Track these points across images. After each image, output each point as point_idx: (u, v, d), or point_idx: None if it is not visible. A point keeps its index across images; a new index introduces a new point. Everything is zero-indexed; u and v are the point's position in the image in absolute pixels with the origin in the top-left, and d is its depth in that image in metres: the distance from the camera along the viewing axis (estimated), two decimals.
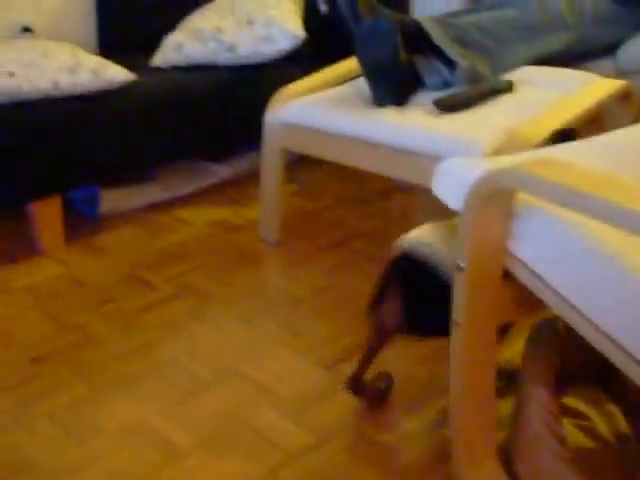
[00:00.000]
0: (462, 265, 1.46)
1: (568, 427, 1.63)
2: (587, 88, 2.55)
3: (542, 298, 1.44)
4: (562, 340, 1.69)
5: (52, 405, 2.08)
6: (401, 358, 2.18)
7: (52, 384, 2.16)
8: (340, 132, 2.50)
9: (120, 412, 2.01)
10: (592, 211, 1.20)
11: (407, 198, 3.21)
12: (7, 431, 1.99)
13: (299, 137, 2.65)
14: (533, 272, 1.43)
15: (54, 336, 2.36)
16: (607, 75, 2.82)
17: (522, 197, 1.42)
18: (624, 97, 2.62)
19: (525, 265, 1.44)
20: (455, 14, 2.86)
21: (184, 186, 3.26)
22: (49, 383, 2.17)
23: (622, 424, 1.70)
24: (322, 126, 2.54)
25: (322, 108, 2.59)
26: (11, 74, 2.74)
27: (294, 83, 2.78)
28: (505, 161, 1.57)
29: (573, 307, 1.36)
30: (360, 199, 3.18)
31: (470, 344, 1.54)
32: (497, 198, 1.40)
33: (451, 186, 1.54)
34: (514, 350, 1.89)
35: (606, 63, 3.04)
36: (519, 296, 1.62)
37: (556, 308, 1.43)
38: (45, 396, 2.11)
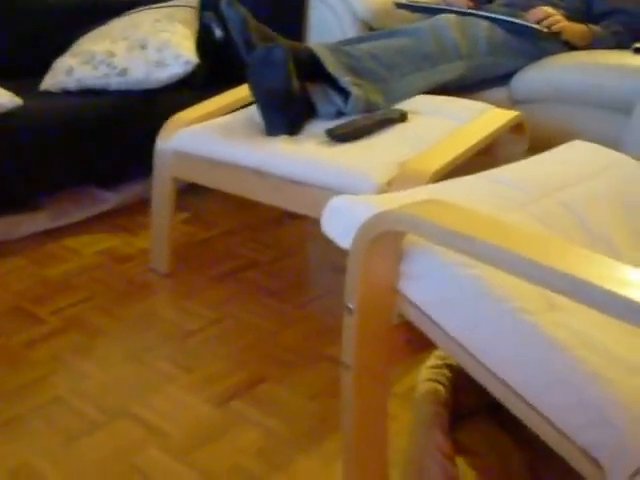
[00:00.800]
0: (351, 307, 1.42)
1: (462, 466, 1.61)
2: (481, 118, 2.55)
3: (433, 339, 1.41)
4: (454, 377, 1.67)
5: None
6: (293, 393, 2.13)
7: None
8: (231, 161, 2.44)
9: (1, 454, 1.92)
10: (475, 253, 1.18)
11: (301, 225, 3.18)
12: None
13: (190, 166, 2.58)
14: (424, 313, 1.40)
15: None
16: (500, 104, 2.84)
17: (412, 238, 1.39)
18: (517, 127, 2.64)
19: (416, 306, 1.41)
20: (349, 42, 2.84)
21: (73, 214, 3.17)
22: None
23: (515, 458, 1.68)
24: (213, 155, 2.49)
25: (213, 136, 2.53)
26: None
27: (186, 110, 2.72)
28: (395, 199, 1.54)
29: (462, 347, 1.34)
30: (253, 227, 3.13)
31: (361, 386, 1.50)
32: (386, 239, 1.37)
33: (340, 225, 1.50)
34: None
35: (500, 92, 3.07)
36: (413, 336, 1.59)
37: (446, 349, 1.41)
38: None
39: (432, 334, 1.40)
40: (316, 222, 3.15)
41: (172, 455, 1.91)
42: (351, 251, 1.40)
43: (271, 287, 2.67)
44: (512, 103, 3.01)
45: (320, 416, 2.05)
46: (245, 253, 2.92)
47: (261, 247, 2.97)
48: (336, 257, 2.88)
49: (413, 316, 1.43)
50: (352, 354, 1.46)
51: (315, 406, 2.09)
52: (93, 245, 2.98)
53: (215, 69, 3.34)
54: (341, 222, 1.50)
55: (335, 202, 1.54)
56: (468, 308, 1.34)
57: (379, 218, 1.33)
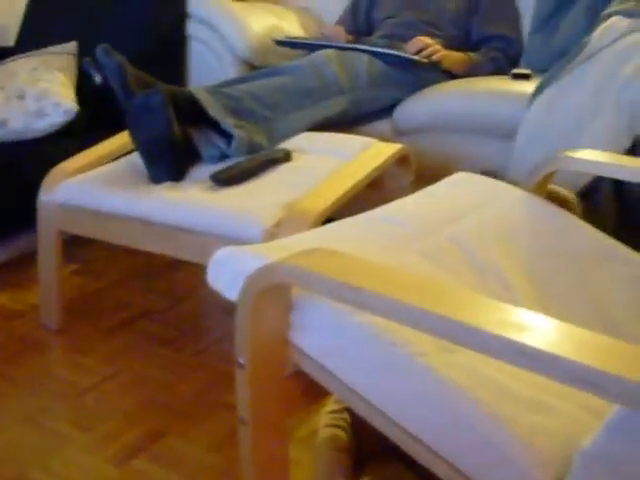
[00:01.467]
0: (242, 361, 1.40)
1: None
2: (366, 153, 2.56)
3: (327, 387, 1.39)
4: (355, 421, 1.65)
5: None
6: (193, 446, 2.09)
7: None
8: (116, 212, 2.40)
9: None
10: (363, 304, 1.17)
11: (193, 270, 3.13)
12: None
13: (75, 218, 2.53)
14: (316, 362, 1.38)
15: None
16: (385, 136, 2.86)
17: (298, 288, 1.37)
18: (402, 159, 2.65)
19: (308, 356, 1.39)
20: (229, 83, 2.82)
21: None
22: None
23: None
24: (97, 206, 2.44)
25: (96, 187, 2.48)
26: None
27: (68, 160, 2.65)
28: (281, 246, 1.53)
29: (357, 394, 1.33)
30: (145, 274, 3.08)
31: (259, 440, 1.48)
32: (272, 291, 1.35)
33: (226, 277, 1.48)
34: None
35: (383, 124, 3.08)
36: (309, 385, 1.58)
37: (341, 396, 1.40)
38: None
39: (326, 383, 1.39)
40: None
41: None
42: (239, 304, 1.38)
43: (165, 336, 2.62)
44: (396, 135, 3.03)
45: (222, 468, 2.01)
46: (137, 302, 2.86)
47: (153, 295, 2.92)
48: (230, 301, 2.85)
49: (306, 366, 1.41)
50: (247, 408, 1.44)
51: (216, 458, 2.04)
52: None
53: (96, 116, 3.29)
54: (227, 274, 1.48)
55: (219, 254, 1.52)
56: (360, 355, 1.33)
57: (265, 270, 1.31)
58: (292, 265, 1.25)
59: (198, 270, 3.05)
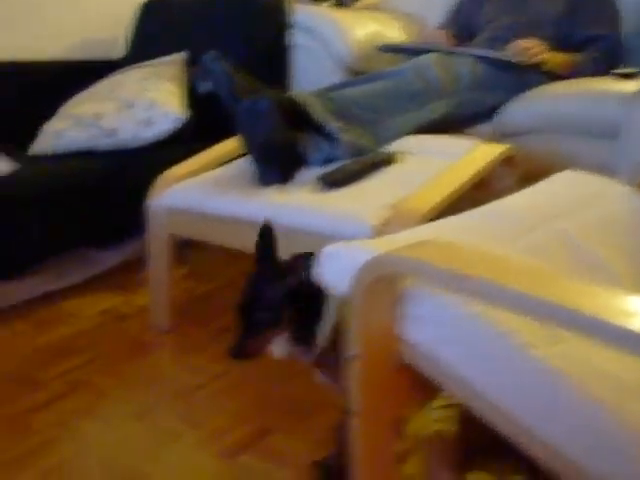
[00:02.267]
0: (354, 354, 1.42)
1: None
2: (472, 154, 2.56)
3: (437, 380, 1.41)
4: (462, 416, 1.66)
5: None
6: (300, 443, 2.12)
7: None
8: (224, 214, 2.45)
9: None
10: (475, 292, 1.18)
11: None
12: None
13: (184, 222, 2.59)
14: (426, 355, 1.39)
15: None
16: (486, 139, 2.85)
17: (410, 280, 1.39)
18: (508, 160, 2.64)
19: (417, 348, 1.40)
20: (334, 88, 2.85)
21: (70, 276, 3.16)
22: None
23: None
24: (207, 209, 2.49)
25: (206, 190, 2.54)
26: None
27: (176, 166, 2.72)
28: (390, 241, 1.54)
29: (467, 386, 1.34)
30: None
31: (368, 432, 1.50)
32: (384, 283, 1.37)
33: (335, 272, 1.50)
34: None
35: (485, 127, 3.07)
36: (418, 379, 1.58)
37: (450, 389, 1.41)
38: None
39: (437, 375, 1.40)
40: None
41: None
42: (351, 297, 1.40)
43: None
44: (498, 137, 3.02)
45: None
46: None
47: None
48: None
49: (416, 358, 1.43)
50: (357, 401, 1.46)
51: (318, 455, 2.07)
52: (93, 306, 2.97)
53: (203, 123, 3.35)
54: (336, 268, 1.50)
55: (330, 249, 1.54)
56: (471, 346, 1.34)
57: (376, 262, 1.33)
58: (403, 256, 1.27)
59: None
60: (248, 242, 2.43)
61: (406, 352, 1.43)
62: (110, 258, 3.27)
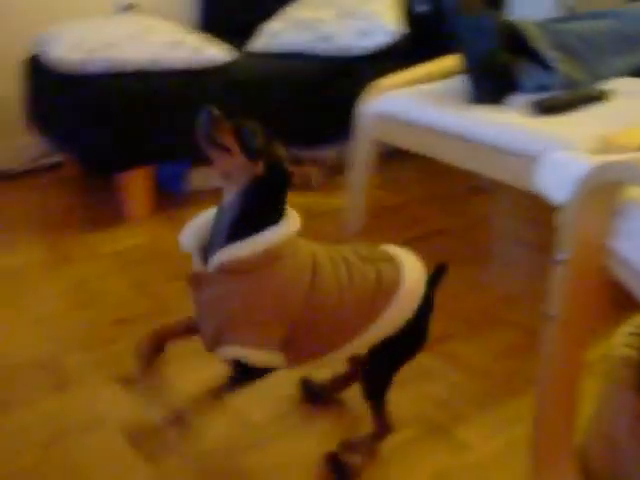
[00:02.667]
0: (562, 258, 1.45)
1: None
2: None
3: None
4: None
5: (130, 368, 2.09)
6: (478, 353, 2.18)
7: (132, 348, 2.17)
8: (435, 126, 2.50)
9: (197, 379, 2.00)
10: None
11: (487, 200, 3.21)
12: (85, 388, 2.03)
13: (392, 129, 2.65)
14: (635, 272, 1.41)
15: (134, 301, 2.40)
16: None
17: (629, 195, 1.40)
18: None
19: (627, 264, 1.42)
20: (554, 21, 2.85)
21: None
22: (129, 346, 2.18)
23: None
24: (417, 119, 2.55)
25: (418, 101, 2.59)
26: (112, 45, 2.79)
27: (390, 76, 2.79)
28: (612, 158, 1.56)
29: None
30: (443, 197, 3.19)
31: (563, 338, 1.52)
32: (604, 192, 1.39)
33: (555, 179, 1.53)
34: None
35: None
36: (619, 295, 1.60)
37: None
38: (125, 358, 2.13)
39: None
40: (501, 198, 3.19)
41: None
42: (568, 203, 1.42)
43: (459, 253, 2.71)
44: None
45: (503, 377, 2.09)
46: (433, 220, 2.98)
47: (450, 216, 3.02)
48: (520, 231, 2.92)
49: (623, 274, 1.44)
50: (559, 305, 1.49)
51: (498, 367, 2.12)
52: (289, 202, 3.04)
53: (416, 41, 3.39)
54: (556, 177, 1.53)
55: (551, 158, 1.57)
56: None
57: (599, 169, 1.35)
58: (633, 161, 1.28)
59: (493, 200, 3.12)
60: (454, 155, 2.50)
61: (614, 266, 1.45)
62: (308, 160, 3.36)
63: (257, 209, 1.52)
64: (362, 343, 1.61)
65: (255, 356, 1.52)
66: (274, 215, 1.53)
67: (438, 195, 3.21)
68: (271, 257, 1.49)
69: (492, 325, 2.32)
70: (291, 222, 1.54)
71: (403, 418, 1.89)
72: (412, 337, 1.67)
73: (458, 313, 2.37)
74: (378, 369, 1.70)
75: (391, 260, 1.64)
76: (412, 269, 1.65)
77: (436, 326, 2.25)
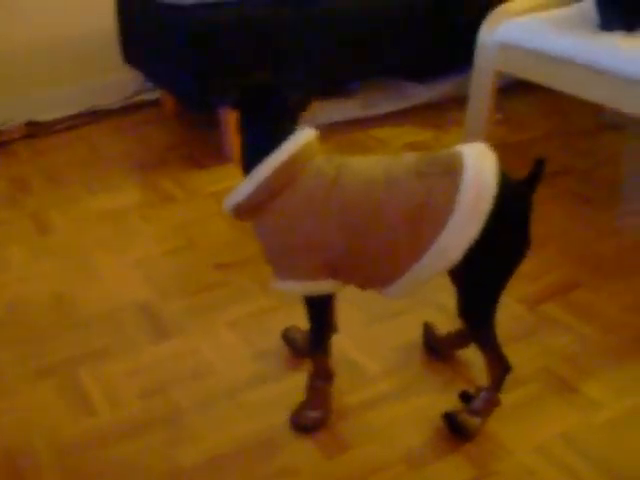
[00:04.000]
0: None
1: None
2: None
3: None
4: None
5: (234, 314, 2.01)
6: (609, 304, 2.00)
7: (235, 293, 2.09)
8: (563, 55, 2.31)
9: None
10: None
11: (618, 137, 2.99)
12: (187, 335, 1.95)
13: (516, 59, 2.47)
14: None
15: (237, 245, 2.30)
16: None
17: None
18: None
19: None
20: None
21: (382, 105, 3.14)
22: (232, 291, 2.10)
23: None
24: (543, 48, 2.36)
25: (544, 28, 2.40)
26: None
27: (512, 1, 2.59)
28: None
29: None
30: (567, 133, 2.98)
31: None
32: None
33: None
34: None
35: None
36: None
37: None
38: (227, 304, 2.06)
39: None
40: (633, 134, 2.97)
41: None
42: None
43: (588, 195, 2.52)
44: None
45: (636, 330, 1.91)
46: (560, 158, 2.77)
47: (576, 154, 2.82)
48: None
49: None
50: None
51: (631, 319, 1.94)
52: (401, 137, 2.93)
53: None
54: None
55: None
56: None
57: None
58: None
59: (620, 136, 2.91)
60: (582, 87, 2.30)
61: None
62: (424, 93, 3.21)
63: (250, 142, 1.48)
64: (428, 266, 1.43)
65: (307, 287, 1.50)
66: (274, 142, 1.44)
67: (563, 132, 3.00)
68: (282, 184, 1.43)
69: (624, 274, 2.13)
70: (290, 145, 1.44)
71: (527, 372, 1.77)
72: (506, 243, 1.47)
73: (586, 260, 2.19)
74: (475, 287, 1.53)
75: (451, 172, 1.43)
76: (476, 180, 1.41)
77: (561, 273, 2.12)
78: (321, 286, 1.50)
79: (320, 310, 1.60)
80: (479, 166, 1.43)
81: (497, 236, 1.43)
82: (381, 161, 1.49)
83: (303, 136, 1.46)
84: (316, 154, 1.47)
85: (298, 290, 1.51)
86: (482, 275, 1.50)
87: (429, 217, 1.41)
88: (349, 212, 1.43)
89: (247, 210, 1.46)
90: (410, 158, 1.49)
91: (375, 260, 1.46)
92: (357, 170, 1.47)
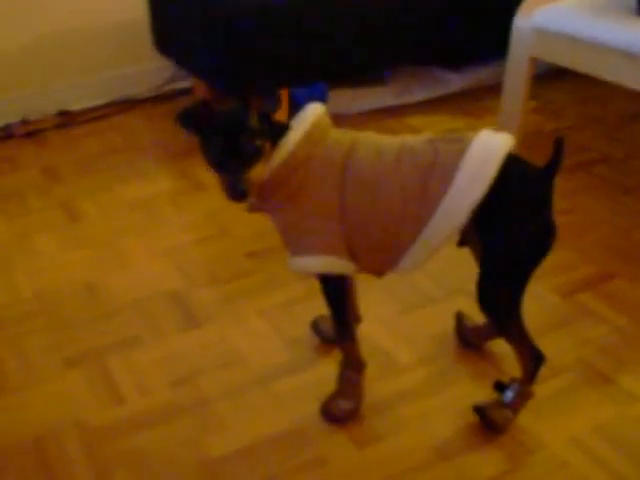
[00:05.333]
0: None
1: None
2: None
3: None
4: None
5: (264, 302, 1.99)
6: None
7: (266, 281, 2.08)
8: (600, 41, 2.26)
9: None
10: None
11: None
12: (218, 323, 1.93)
13: (552, 45, 2.42)
14: None
15: (268, 233, 2.26)
16: None
17: None
18: None
19: None
20: None
21: (417, 93, 3.12)
22: (263, 280, 2.08)
23: None
24: (580, 34, 2.31)
25: (581, 14, 2.35)
26: None
27: None
28: None
29: None
30: (604, 121, 2.93)
31: None
32: None
33: None
34: None
35: None
36: None
37: None
38: (258, 293, 2.04)
39: None
40: None
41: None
42: None
43: (624, 184, 2.48)
44: None
45: None
46: (596, 147, 2.73)
47: (613, 142, 2.77)
48: None
49: None
50: None
51: None
52: (435, 125, 2.89)
53: None
54: None
55: None
56: None
57: None
58: None
59: None
60: (619, 74, 2.26)
61: None
62: (458, 81, 3.17)
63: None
64: (437, 231, 1.42)
65: (322, 263, 1.48)
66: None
67: (600, 120, 2.95)
68: (304, 155, 1.42)
69: None
70: (306, 118, 1.46)
71: (562, 363, 1.74)
72: (524, 229, 1.44)
73: (623, 250, 2.16)
74: (493, 273, 1.48)
75: (463, 139, 1.43)
76: (485, 145, 1.40)
77: (597, 263, 2.09)
78: (336, 264, 1.48)
79: (338, 297, 1.58)
80: (489, 138, 1.42)
81: (513, 216, 1.42)
82: (400, 137, 1.50)
83: (314, 110, 1.47)
84: (329, 127, 1.48)
85: (314, 266, 1.49)
86: (500, 260, 1.47)
87: (436, 176, 1.40)
88: (361, 178, 1.43)
89: (271, 188, 1.44)
90: (428, 134, 1.50)
91: (387, 227, 1.45)
92: (372, 142, 1.47)
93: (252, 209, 1.49)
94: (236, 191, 1.35)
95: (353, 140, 1.46)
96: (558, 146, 1.41)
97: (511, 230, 1.43)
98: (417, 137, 1.48)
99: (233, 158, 1.36)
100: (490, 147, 1.39)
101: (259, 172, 1.38)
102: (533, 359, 1.55)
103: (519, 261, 1.46)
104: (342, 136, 1.47)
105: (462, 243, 1.54)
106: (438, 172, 1.40)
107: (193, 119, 1.42)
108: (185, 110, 1.42)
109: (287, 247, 1.53)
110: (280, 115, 1.41)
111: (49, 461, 1.56)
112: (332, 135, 1.46)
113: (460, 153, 1.39)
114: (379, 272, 1.56)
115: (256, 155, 1.37)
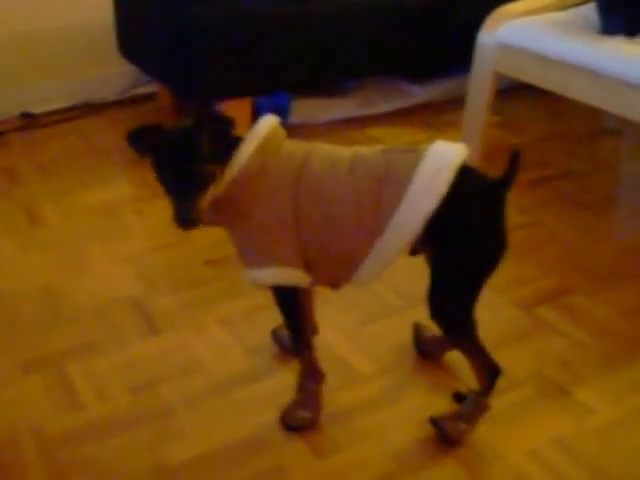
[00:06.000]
0: None
1: None
2: None
3: None
4: None
5: (225, 310, 1.99)
6: (602, 309, 1.99)
7: (226, 289, 2.08)
8: (563, 58, 2.29)
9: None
10: None
11: (615, 142, 2.99)
12: (178, 331, 1.92)
13: (515, 61, 2.45)
14: None
15: (228, 242, 2.25)
16: None
17: None
18: None
19: None
20: None
21: (379, 105, 3.13)
22: (223, 288, 2.08)
23: None
24: (543, 50, 2.34)
25: (544, 31, 2.38)
26: None
27: (513, 2, 2.58)
28: None
29: None
30: (566, 137, 2.97)
31: None
32: None
33: None
34: None
35: None
36: None
37: None
38: (218, 300, 2.04)
39: None
40: (632, 140, 2.96)
41: None
42: None
43: (584, 200, 2.50)
44: None
45: (630, 337, 1.89)
46: (558, 162, 2.76)
47: (575, 158, 2.80)
48: None
49: None
50: None
51: (624, 325, 1.93)
52: (396, 137, 2.91)
53: None
54: None
55: None
56: None
57: None
58: None
59: (619, 141, 2.90)
60: (582, 91, 2.29)
61: None
62: (422, 94, 3.20)
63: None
64: (390, 242, 1.42)
65: (276, 275, 1.48)
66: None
67: (562, 136, 2.98)
68: (258, 167, 1.41)
69: (618, 279, 2.12)
70: (259, 130, 1.44)
71: (520, 376, 1.75)
72: (475, 240, 1.44)
73: (580, 265, 2.18)
74: (443, 283, 1.48)
75: (416, 150, 1.44)
76: (439, 156, 1.41)
77: (556, 277, 2.10)
78: (291, 276, 1.49)
79: (292, 307, 1.58)
80: (443, 149, 1.43)
81: (463, 228, 1.42)
82: (353, 148, 1.50)
83: (267, 122, 1.46)
84: (283, 138, 1.48)
85: (269, 278, 1.49)
86: (449, 272, 1.47)
87: (389, 188, 1.41)
88: (315, 190, 1.43)
89: (225, 202, 1.43)
90: (382, 145, 1.51)
91: (341, 239, 1.45)
92: (325, 153, 1.47)
93: (207, 223, 1.47)
94: (185, 221, 1.34)
95: (307, 151, 1.46)
96: (514, 159, 1.41)
97: (461, 241, 1.43)
98: (371, 148, 1.49)
99: (183, 185, 1.35)
100: (443, 158, 1.40)
101: (211, 195, 1.37)
102: (489, 371, 1.56)
103: (469, 273, 1.46)
104: (296, 147, 1.47)
105: (414, 252, 1.54)
106: (391, 184, 1.41)
107: (143, 140, 1.40)
108: (135, 130, 1.41)
109: (242, 260, 1.53)
110: (242, 126, 1.42)
111: (4, 467, 1.53)
112: (286, 146, 1.46)
113: (413, 164, 1.40)
114: (335, 284, 1.56)
115: (208, 181, 1.35)
